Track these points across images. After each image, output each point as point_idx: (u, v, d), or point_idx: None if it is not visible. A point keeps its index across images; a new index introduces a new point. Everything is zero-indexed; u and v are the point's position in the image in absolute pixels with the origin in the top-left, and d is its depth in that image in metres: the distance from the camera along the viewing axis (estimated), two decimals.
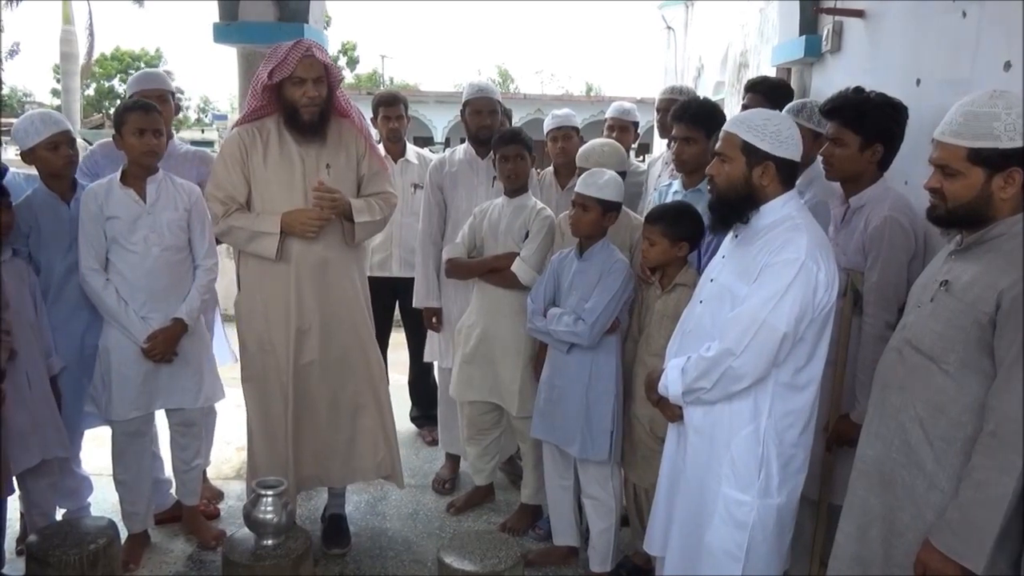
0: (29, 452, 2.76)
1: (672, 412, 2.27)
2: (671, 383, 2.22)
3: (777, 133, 2.10)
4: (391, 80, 38.81)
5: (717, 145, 2.18)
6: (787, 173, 2.14)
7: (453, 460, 3.98)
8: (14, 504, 3.02)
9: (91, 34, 20.80)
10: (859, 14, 3.63)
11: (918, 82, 3.02)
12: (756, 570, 2.16)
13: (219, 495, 3.69)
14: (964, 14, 2.74)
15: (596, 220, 2.86)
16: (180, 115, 3.55)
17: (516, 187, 3.32)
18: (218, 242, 3.25)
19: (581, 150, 3.37)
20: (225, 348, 3.74)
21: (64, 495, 3.14)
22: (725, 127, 2.17)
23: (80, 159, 3.17)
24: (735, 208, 2.17)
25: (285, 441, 2.98)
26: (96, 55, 23.78)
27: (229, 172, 2.91)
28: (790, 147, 2.12)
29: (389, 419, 3.19)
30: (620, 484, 3.03)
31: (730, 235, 2.28)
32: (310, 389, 3.00)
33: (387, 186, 3.13)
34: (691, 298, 2.41)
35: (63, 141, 2.95)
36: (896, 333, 2.01)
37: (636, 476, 2.94)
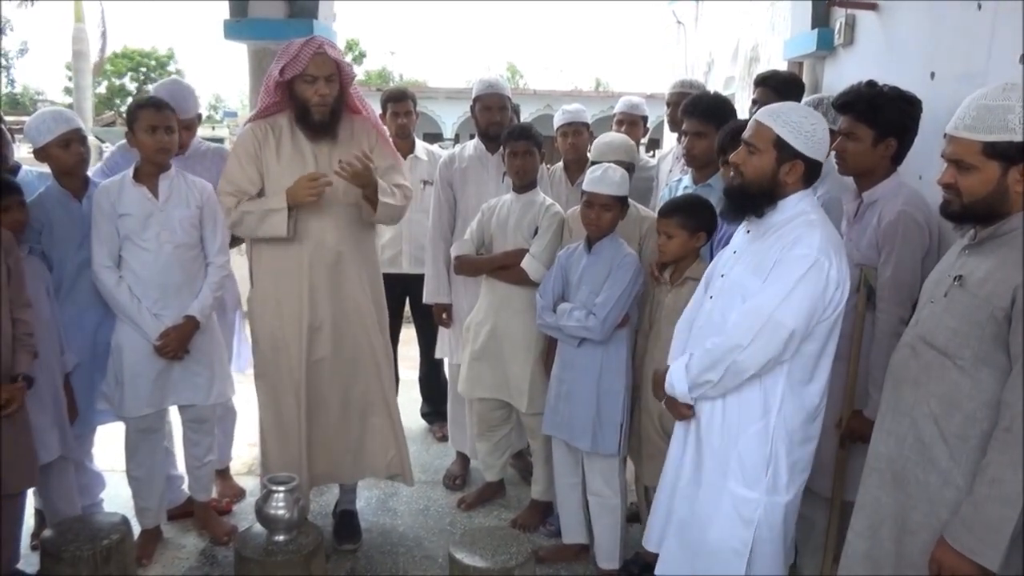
0: (46, 448, 2.78)
1: (679, 411, 2.26)
2: (676, 381, 2.21)
3: (812, 133, 2.07)
4: (400, 76, 38.87)
5: (747, 134, 2.15)
6: (811, 173, 2.12)
7: (463, 456, 3.98)
8: (28, 499, 3.04)
9: (104, 33, 20.89)
10: (872, 7, 3.60)
11: (932, 75, 2.99)
12: (761, 568, 2.15)
13: (241, 492, 3.70)
14: (979, 6, 2.71)
15: (616, 218, 2.86)
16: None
17: (524, 183, 3.31)
18: (234, 242, 3.25)
19: (600, 144, 3.34)
20: (245, 353, 3.71)
21: (78, 491, 3.15)
22: (759, 118, 2.13)
23: (92, 157, 3.17)
24: (754, 200, 2.15)
25: (298, 438, 2.98)
26: (107, 53, 23.85)
27: (243, 167, 2.90)
28: (820, 148, 2.10)
29: (398, 419, 3.19)
30: (626, 481, 3.03)
31: (742, 230, 2.27)
32: (321, 386, 3.00)
33: (400, 179, 3.12)
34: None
35: (74, 139, 2.96)
36: (909, 329, 1.98)
37: (644, 473, 2.93)
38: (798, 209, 2.11)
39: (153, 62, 37.10)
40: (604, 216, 2.85)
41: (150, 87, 3.61)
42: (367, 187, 2.86)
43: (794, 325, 2.00)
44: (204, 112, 3.61)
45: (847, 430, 2.54)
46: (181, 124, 3.22)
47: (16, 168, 3.14)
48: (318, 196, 2.82)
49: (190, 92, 3.42)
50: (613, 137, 3.37)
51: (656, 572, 2.37)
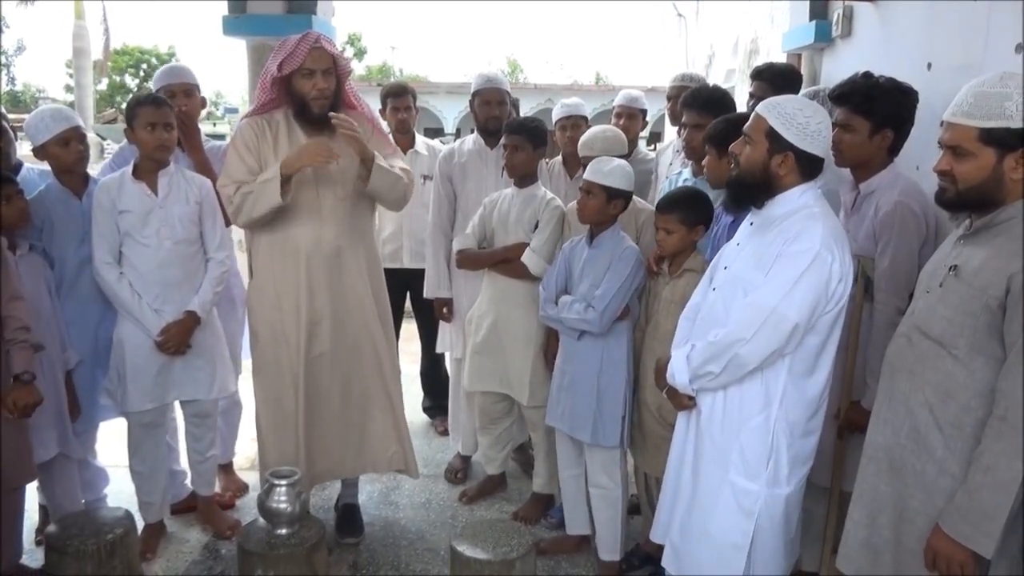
0: (44, 446, 2.79)
1: (680, 401, 2.27)
2: (677, 372, 2.22)
3: (805, 125, 2.06)
4: (401, 71, 38.81)
5: (747, 124, 2.17)
6: (808, 166, 2.11)
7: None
8: (32, 495, 3.07)
9: (106, 30, 20.93)
10: None
11: (929, 66, 2.99)
12: (762, 561, 2.15)
13: (244, 487, 3.72)
14: None
15: (600, 206, 2.86)
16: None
17: (514, 176, 3.32)
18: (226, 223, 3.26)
19: (582, 139, 3.37)
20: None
21: (81, 486, 3.18)
22: (758, 109, 2.14)
23: (92, 155, 3.18)
24: (749, 191, 2.16)
25: (296, 434, 2.99)
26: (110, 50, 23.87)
27: (242, 158, 2.89)
28: (816, 142, 2.07)
29: (401, 413, 3.20)
30: (627, 472, 3.04)
31: (746, 223, 2.27)
32: (321, 381, 3.01)
33: (402, 163, 3.12)
34: (698, 284, 2.41)
35: (73, 137, 2.97)
36: (905, 318, 2.00)
37: (646, 464, 2.94)
38: (800, 203, 2.11)
39: (154, 59, 37.10)
40: (587, 202, 2.86)
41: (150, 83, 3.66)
42: (362, 152, 2.81)
43: (797, 318, 2.00)
44: (204, 108, 3.65)
45: (845, 420, 2.55)
46: (181, 89, 3.30)
47: (18, 166, 3.15)
48: (329, 160, 2.75)
49: (186, 68, 3.55)
50: (594, 132, 3.36)
51: (663, 564, 2.38)
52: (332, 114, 2.78)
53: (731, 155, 2.22)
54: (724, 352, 2.09)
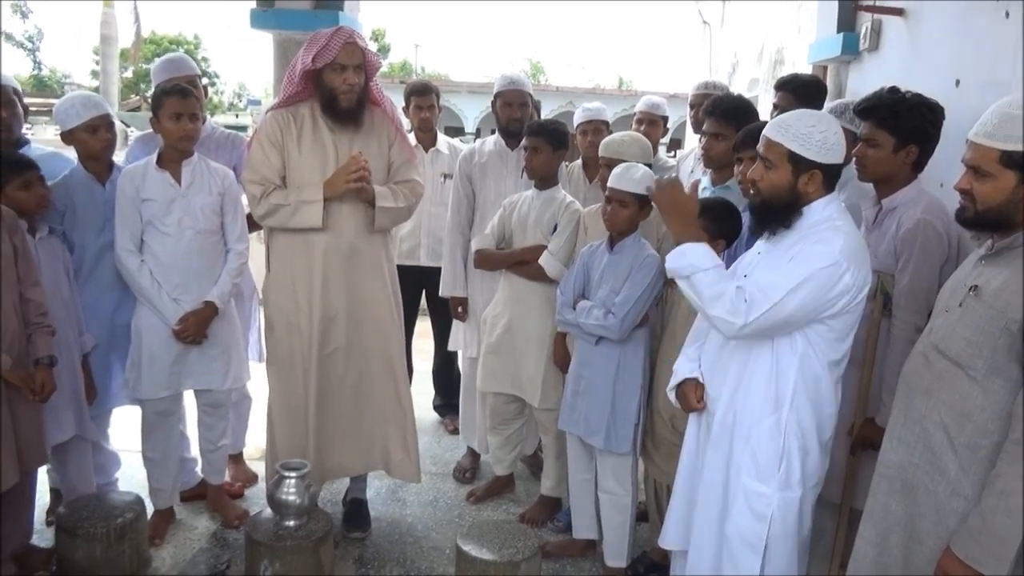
0: (61, 428, 2.82)
1: (690, 403, 2.26)
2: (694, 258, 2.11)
3: (824, 140, 2.05)
4: (423, 69, 38.94)
5: (761, 148, 2.15)
6: (832, 178, 2.11)
7: (474, 450, 4.00)
8: (42, 476, 3.10)
9: (136, 19, 21.12)
10: (898, 12, 3.58)
11: (957, 83, 2.97)
12: (776, 564, 2.14)
13: (254, 477, 3.74)
14: (1007, 14, 2.69)
15: (633, 215, 2.85)
16: (214, 100, 3.59)
17: (532, 179, 3.32)
18: (252, 226, 3.28)
19: (603, 141, 3.36)
20: (256, 344, 3.76)
21: (93, 469, 3.20)
22: (769, 134, 2.12)
23: (118, 144, 3.20)
24: (778, 214, 2.14)
25: (305, 427, 3.01)
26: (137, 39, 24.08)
27: (266, 153, 2.92)
28: (836, 151, 2.08)
29: (411, 419, 3.20)
30: (637, 479, 3.03)
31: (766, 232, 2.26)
32: (334, 376, 3.03)
33: (414, 175, 3.14)
34: None
35: (102, 124, 3.00)
36: (923, 337, 1.98)
37: (657, 471, 2.94)
38: (824, 215, 2.10)
39: (180, 49, 37.44)
40: (619, 212, 2.85)
41: (150, 66, 3.71)
42: (366, 195, 2.92)
43: (790, 314, 2.00)
44: (228, 100, 3.69)
45: (859, 437, 2.53)
46: (183, 81, 3.29)
47: (23, 143, 3.16)
48: (360, 184, 2.86)
49: (186, 59, 3.65)
50: (617, 135, 3.34)
51: (671, 570, 2.37)
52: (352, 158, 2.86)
53: (749, 181, 2.20)
54: (723, 290, 2.04)
